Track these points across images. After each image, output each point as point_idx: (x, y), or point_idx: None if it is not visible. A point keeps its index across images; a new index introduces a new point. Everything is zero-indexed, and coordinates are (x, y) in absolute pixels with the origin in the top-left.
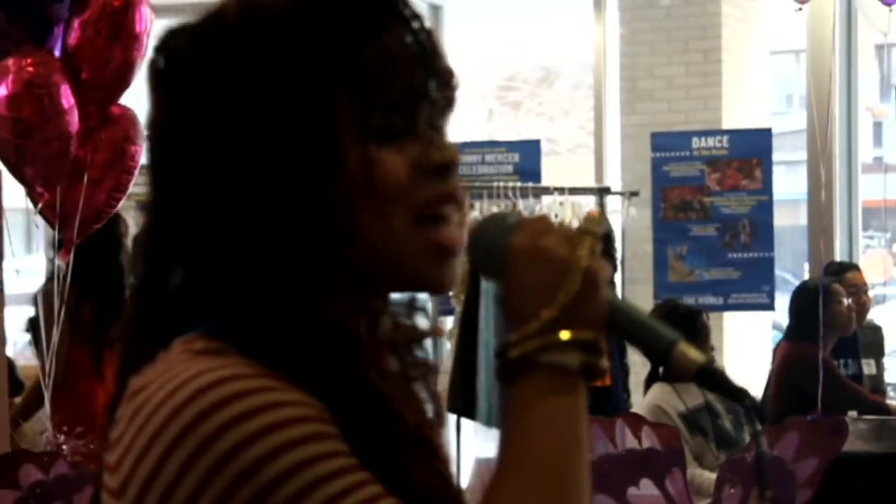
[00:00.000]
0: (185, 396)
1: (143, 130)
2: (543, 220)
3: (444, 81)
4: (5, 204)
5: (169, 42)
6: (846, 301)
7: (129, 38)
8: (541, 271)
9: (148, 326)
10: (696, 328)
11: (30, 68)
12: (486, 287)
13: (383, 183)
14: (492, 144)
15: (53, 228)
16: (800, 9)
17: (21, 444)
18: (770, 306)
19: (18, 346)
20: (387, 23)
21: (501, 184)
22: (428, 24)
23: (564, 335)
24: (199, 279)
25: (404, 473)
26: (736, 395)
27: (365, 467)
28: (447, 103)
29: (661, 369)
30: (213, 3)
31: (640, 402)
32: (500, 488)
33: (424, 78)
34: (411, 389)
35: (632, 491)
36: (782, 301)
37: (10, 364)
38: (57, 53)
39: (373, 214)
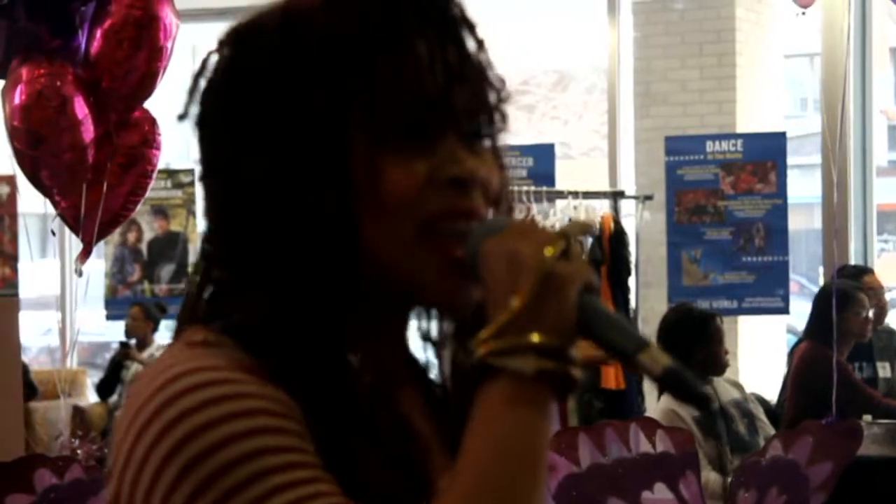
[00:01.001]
0: (155, 387)
1: (160, 134)
2: (529, 224)
3: (482, 94)
4: (21, 209)
5: (219, 44)
6: (866, 312)
7: (151, 49)
8: (502, 273)
9: (180, 322)
10: (708, 332)
11: (42, 79)
12: None
13: (390, 193)
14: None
15: (75, 233)
16: (803, 13)
17: (36, 449)
18: (785, 310)
19: (33, 351)
20: (409, 34)
21: (515, 188)
22: (479, 36)
23: (521, 339)
24: (223, 278)
25: (362, 482)
26: (701, 400)
27: (326, 469)
28: (497, 118)
29: None
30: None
31: (653, 406)
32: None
33: (448, 90)
34: (418, 413)
35: (646, 495)
36: (797, 305)
37: (25, 369)
38: (78, 61)
39: (377, 224)
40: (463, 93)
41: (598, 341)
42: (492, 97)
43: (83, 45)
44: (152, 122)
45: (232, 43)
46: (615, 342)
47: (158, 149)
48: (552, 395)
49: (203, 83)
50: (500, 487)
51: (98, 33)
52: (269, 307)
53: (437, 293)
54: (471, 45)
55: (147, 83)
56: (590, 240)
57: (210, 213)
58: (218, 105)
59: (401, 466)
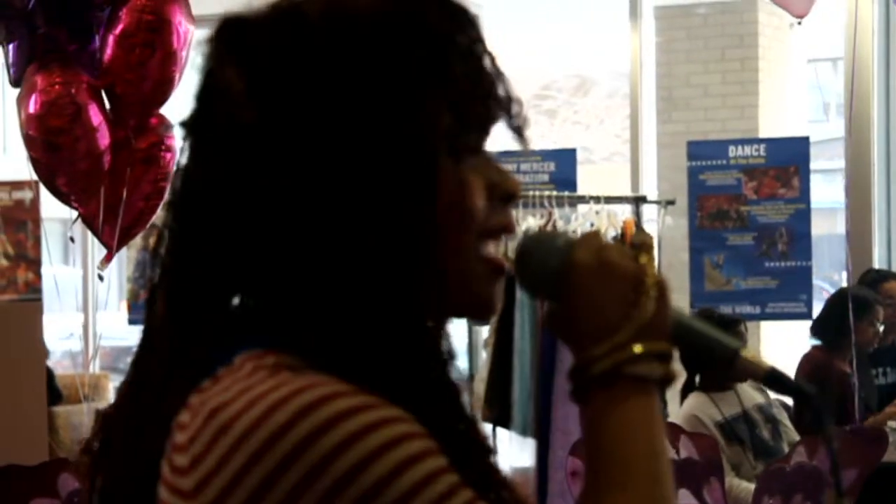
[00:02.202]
0: (288, 414)
1: (174, 137)
2: (597, 236)
3: (513, 107)
4: (44, 214)
5: (237, 42)
6: (878, 325)
7: (165, 55)
8: (613, 286)
9: (194, 340)
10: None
11: (56, 87)
12: (521, 297)
13: (470, 209)
14: (527, 153)
15: (97, 237)
16: (799, 23)
17: (59, 453)
18: (808, 315)
19: (56, 355)
20: (472, 41)
21: (537, 193)
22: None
23: (646, 347)
24: (260, 294)
25: (490, 484)
26: (803, 395)
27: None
28: (516, 128)
29: (697, 378)
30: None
31: (676, 411)
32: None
33: (499, 99)
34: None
35: None
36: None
37: (51, 374)
38: (94, 68)
39: (452, 236)
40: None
41: (693, 348)
42: (521, 110)
43: (98, 51)
44: (167, 125)
45: (280, 44)
46: (713, 348)
47: (171, 151)
48: (659, 393)
49: (244, 88)
50: (653, 472)
51: (110, 39)
52: (347, 321)
53: (485, 301)
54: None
55: (163, 89)
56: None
57: (242, 226)
58: (273, 117)
59: (485, 473)
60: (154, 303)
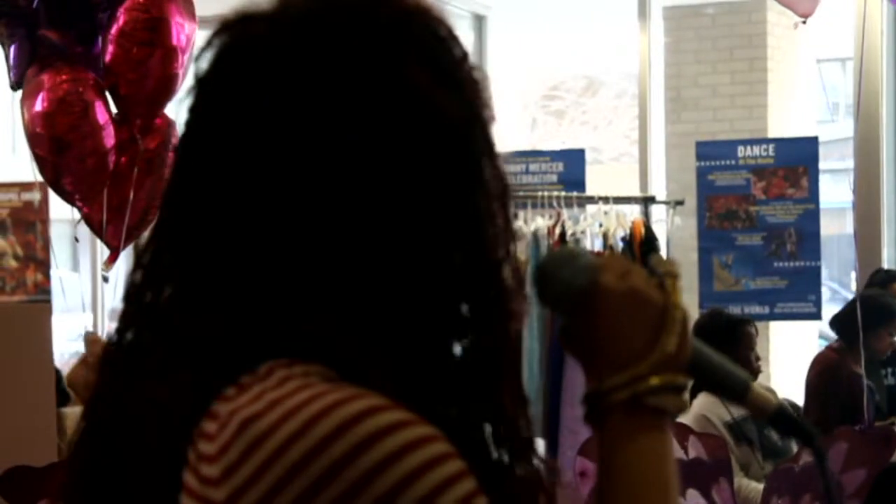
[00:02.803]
0: (329, 428)
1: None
2: (620, 259)
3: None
4: (53, 215)
5: (236, 46)
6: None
7: (165, 52)
8: (640, 315)
9: (216, 347)
10: (736, 336)
11: (64, 85)
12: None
13: (494, 234)
14: (536, 154)
15: (100, 237)
16: (804, 22)
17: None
18: (817, 315)
19: (65, 356)
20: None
21: (546, 193)
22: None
23: (665, 379)
24: (285, 302)
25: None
26: (807, 437)
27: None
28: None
29: None
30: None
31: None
32: None
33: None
34: None
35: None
36: (829, 310)
37: (58, 375)
38: (98, 68)
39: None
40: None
41: (706, 380)
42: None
43: (101, 52)
44: (170, 124)
45: (310, 40)
46: (726, 383)
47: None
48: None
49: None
50: (664, 497)
51: (110, 38)
52: (379, 339)
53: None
54: None
55: (166, 87)
56: (620, 245)
57: (265, 233)
58: (304, 124)
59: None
60: (155, 292)
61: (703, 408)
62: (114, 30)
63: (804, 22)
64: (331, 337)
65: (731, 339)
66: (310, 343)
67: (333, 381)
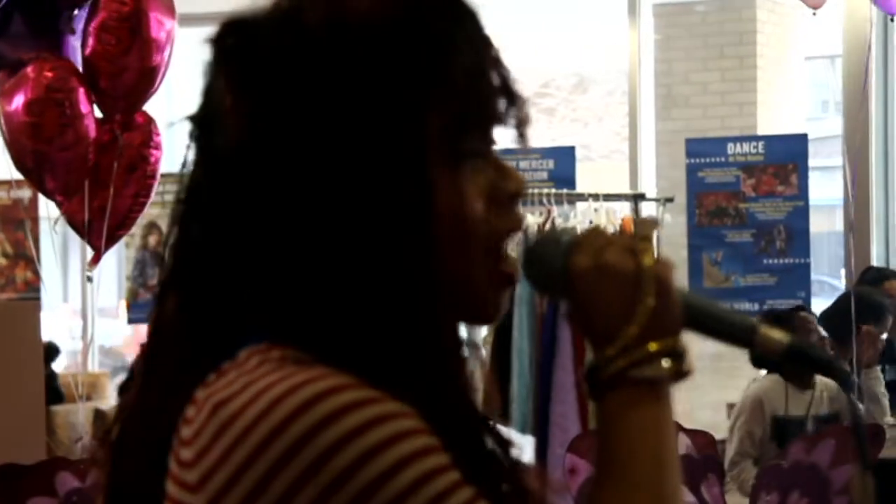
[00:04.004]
0: (291, 408)
1: (161, 134)
2: (599, 234)
3: (516, 105)
4: (42, 212)
5: (238, 41)
6: (884, 336)
7: (143, 45)
8: (612, 289)
9: (200, 335)
10: (791, 326)
11: (49, 73)
12: (520, 294)
13: (469, 217)
14: (526, 151)
15: (82, 237)
16: (814, 13)
17: (58, 452)
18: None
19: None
20: (472, 40)
21: (536, 190)
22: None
23: (652, 347)
24: (264, 289)
25: (506, 478)
26: (829, 367)
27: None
28: (518, 126)
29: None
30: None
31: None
32: (604, 500)
33: (501, 99)
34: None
35: None
36: (818, 307)
37: (54, 375)
38: (78, 62)
39: (454, 243)
40: (510, 102)
41: (706, 333)
42: (525, 107)
43: (79, 50)
44: (151, 122)
45: (280, 47)
46: (729, 332)
47: (159, 149)
48: (672, 388)
49: (241, 88)
50: (656, 475)
51: (90, 32)
52: (350, 322)
53: (490, 309)
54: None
55: (145, 80)
56: None
57: (249, 223)
58: (276, 117)
59: (502, 471)
60: (163, 299)
61: (765, 391)
62: (94, 23)
63: (814, 13)
64: (308, 321)
65: (789, 329)
66: (287, 328)
67: (306, 364)
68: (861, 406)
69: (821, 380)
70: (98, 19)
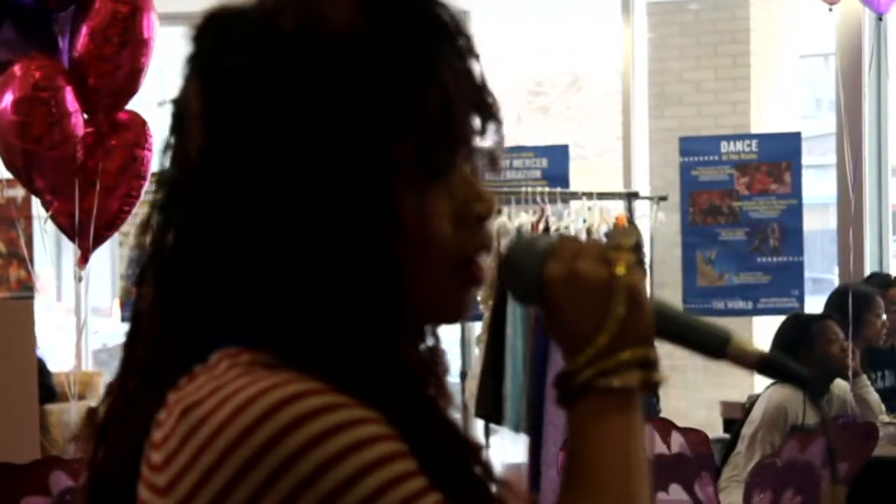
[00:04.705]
0: (256, 413)
1: (154, 135)
2: (573, 242)
3: (491, 122)
4: (35, 211)
5: (212, 48)
6: (883, 316)
7: (137, 45)
8: (583, 298)
9: (174, 339)
10: (812, 333)
11: (36, 72)
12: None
13: (434, 237)
14: (520, 149)
15: (71, 238)
16: (830, 9)
17: (51, 451)
18: (800, 310)
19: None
20: (448, 55)
21: (530, 189)
22: (477, 52)
23: (621, 357)
24: (236, 293)
25: (471, 484)
26: (799, 379)
27: (435, 484)
28: (493, 144)
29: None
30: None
31: (668, 406)
32: None
33: (475, 116)
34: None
35: (661, 496)
36: (812, 305)
37: (47, 372)
38: (64, 62)
39: (418, 262)
40: (483, 115)
41: (679, 342)
42: (497, 118)
43: (66, 49)
44: (143, 123)
45: (253, 54)
46: (699, 341)
47: (150, 150)
48: (642, 397)
49: (213, 94)
50: (621, 487)
51: (84, 31)
52: (323, 322)
53: (456, 312)
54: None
55: (133, 80)
56: (604, 239)
57: (222, 229)
58: (246, 124)
59: (471, 476)
60: (140, 290)
61: (788, 399)
62: (88, 23)
63: (830, 9)
64: (276, 326)
65: (807, 337)
66: (257, 333)
67: (274, 368)
68: (856, 411)
69: (835, 385)
70: (97, 20)
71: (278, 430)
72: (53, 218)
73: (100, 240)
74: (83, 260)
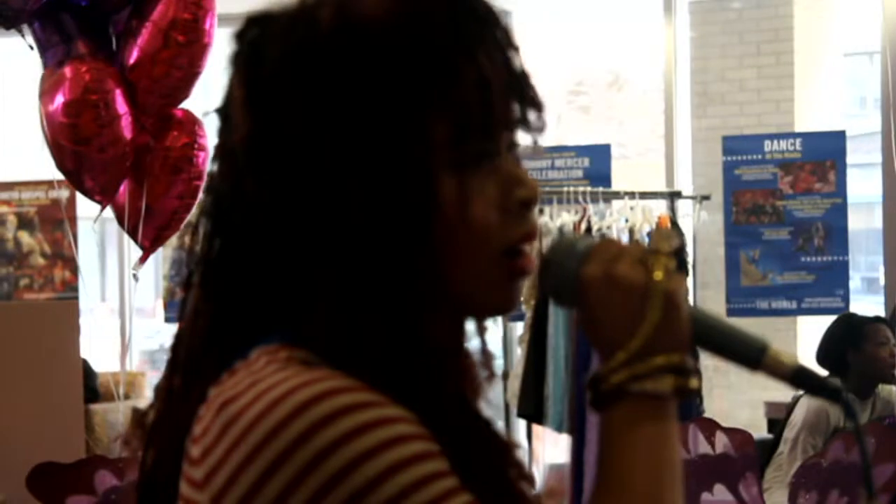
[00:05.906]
0: (288, 409)
1: (205, 136)
2: (613, 244)
3: (531, 109)
4: (81, 212)
5: (253, 42)
6: (891, 344)
7: (199, 48)
8: (620, 301)
9: (217, 335)
10: (862, 335)
11: (86, 75)
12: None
13: (475, 222)
14: (561, 149)
15: (133, 238)
16: None
17: (96, 450)
18: (845, 310)
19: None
20: (484, 44)
21: (571, 188)
22: (520, 51)
23: (655, 362)
24: (277, 290)
25: (504, 485)
26: (832, 394)
27: (466, 484)
28: (534, 131)
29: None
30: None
31: (712, 406)
32: None
33: (514, 104)
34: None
35: (705, 496)
36: (857, 305)
37: (92, 374)
38: (119, 61)
39: (459, 249)
40: (525, 107)
41: (716, 351)
42: (542, 112)
43: (119, 49)
44: (196, 123)
45: (289, 49)
46: (736, 350)
47: (204, 150)
48: (677, 404)
49: (252, 88)
50: (652, 495)
51: (144, 32)
52: (360, 319)
53: (503, 305)
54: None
55: (188, 82)
56: (646, 240)
57: (261, 224)
58: (284, 118)
59: (504, 477)
60: (187, 301)
61: (826, 401)
62: (152, 22)
63: None
64: (314, 323)
65: (858, 339)
66: (296, 329)
67: (310, 365)
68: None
69: (881, 386)
70: (158, 21)
71: (309, 427)
72: (116, 216)
73: (159, 240)
74: (143, 259)
